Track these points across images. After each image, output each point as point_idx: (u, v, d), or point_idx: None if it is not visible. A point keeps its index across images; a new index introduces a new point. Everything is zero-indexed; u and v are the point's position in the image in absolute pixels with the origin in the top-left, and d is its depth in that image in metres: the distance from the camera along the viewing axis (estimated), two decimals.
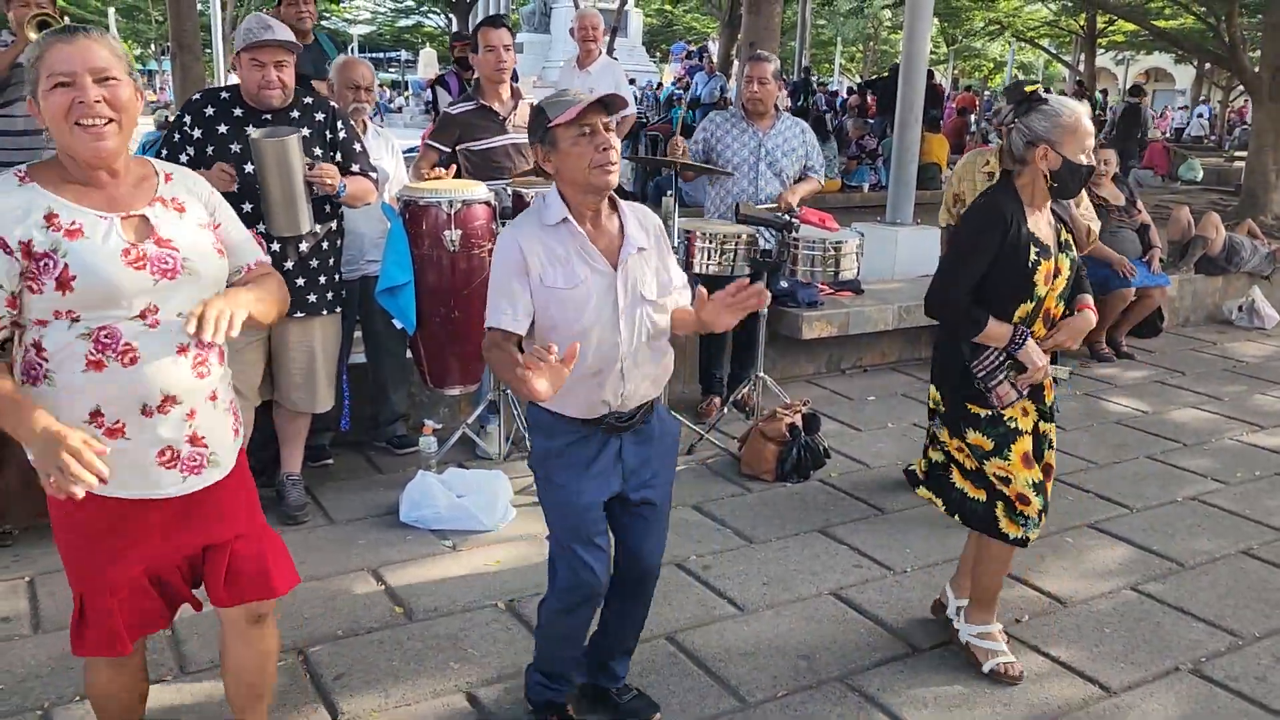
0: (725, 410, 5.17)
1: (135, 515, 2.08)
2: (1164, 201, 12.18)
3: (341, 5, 33.89)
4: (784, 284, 5.74)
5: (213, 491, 2.16)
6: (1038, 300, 2.89)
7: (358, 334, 4.62)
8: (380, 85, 25.29)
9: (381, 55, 34.28)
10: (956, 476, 3.13)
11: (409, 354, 4.47)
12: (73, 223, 1.94)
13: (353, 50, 19.29)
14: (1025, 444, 2.98)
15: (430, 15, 28.81)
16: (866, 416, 5.50)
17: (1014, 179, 2.91)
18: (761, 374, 5.06)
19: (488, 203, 4.08)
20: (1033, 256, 2.84)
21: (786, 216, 4.74)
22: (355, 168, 3.81)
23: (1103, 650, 3.27)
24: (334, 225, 3.85)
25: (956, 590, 3.32)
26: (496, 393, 4.46)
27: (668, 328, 2.56)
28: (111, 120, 1.94)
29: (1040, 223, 2.91)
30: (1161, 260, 7.07)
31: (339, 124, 3.78)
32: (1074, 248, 3.00)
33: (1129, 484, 4.66)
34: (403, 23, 34.24)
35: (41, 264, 1.91)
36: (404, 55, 30.19)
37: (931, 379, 3.12)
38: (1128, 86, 31.20)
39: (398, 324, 4.07)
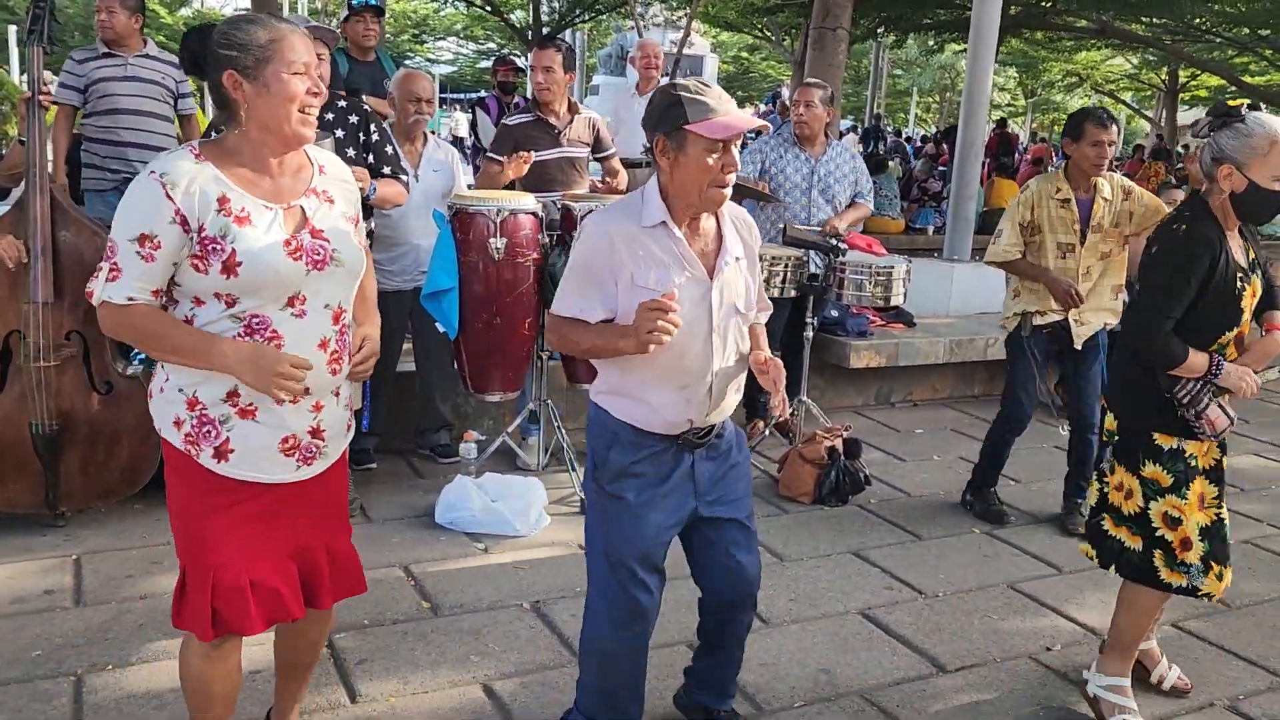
0: (767, 433, 5.16)
1: (258, 501, 2.13)
2: None
3: (425, 45, 34.88)
4: (833, 312, 5.74)
5: (320, 485, 2.22)
6: (1240, 325, 2.78)
7: (407, 345, 4.74)
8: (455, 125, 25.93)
9: (462, 96, 35.06)
10: (1109, 524, 2.95)
11: (455, 364, 4.56)
12: (242, 209, 2.01)
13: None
14: (1202, 485, 2.82)
15: (513, 56, 29.63)
16: (912, 448, 5.44)
17: (1208, 200, 2.77)
18: (805, 399, 5.05)
19: (535, 214, 4.18)
20: (1239, 283, 2.72)
21: (834, 240, 4.76)
22: (386, 170, 3.94)
23: (1135, 683, 3.17)
24: (364, 229, 3.96)
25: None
26: (537, 402, 4.52)
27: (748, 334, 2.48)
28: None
29: (1236, 244, 2.77)
30: None
31: (372, 126, 3.92)
32: (1260, 267, 2.83)
33: None
34: (484, 64, 35.11)
35: (210, 247, 1.97)
36: (484, 95, 30.94)
37: (1110, 406, 2.95)
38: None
39: (441, 329, 4.16)
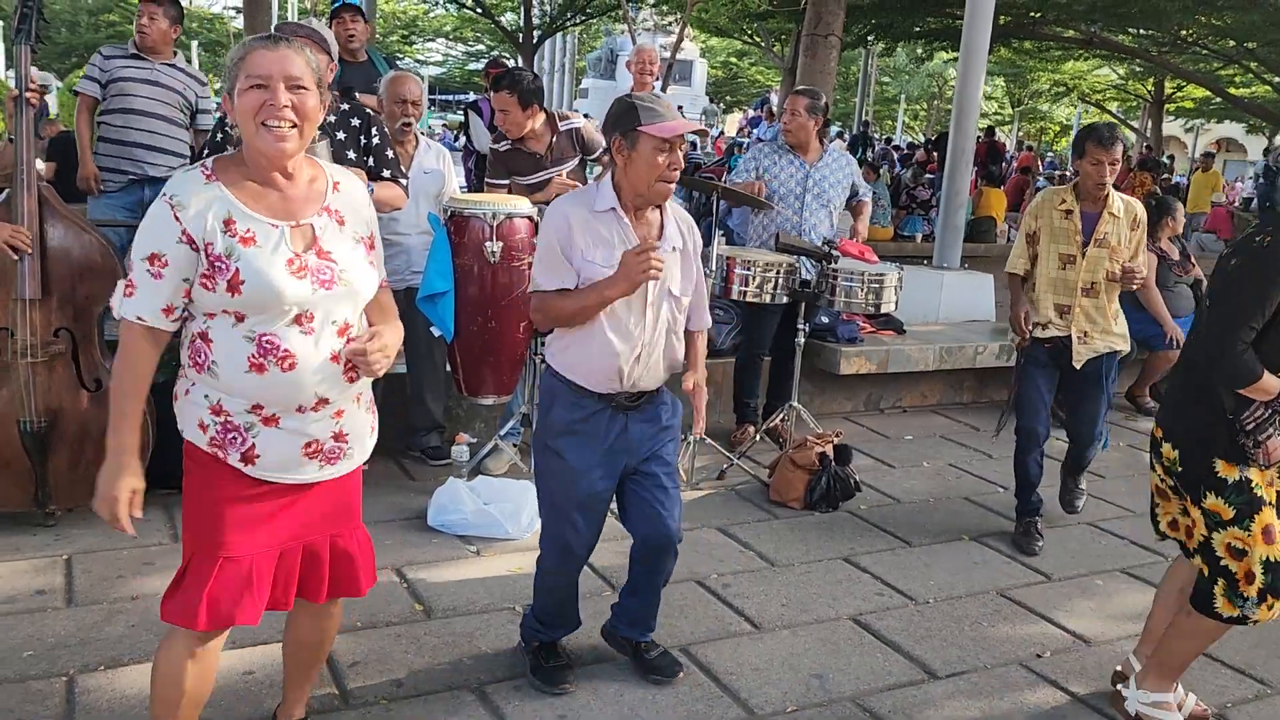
0: (757, 438, 5.18)
1: (274, 495, 2.18)
2: None
3: (414, 47, 34.84)
4: (824, 318, 5.77)
5: (343, 484, 2.29)
6: None
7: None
8: (446, 125, 25.86)
9: (451, 98, 35.04)
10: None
11: (448, 366, 4.55)
12: (248, 230, 2.06)
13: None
14: (1269, 516, 2.70)
15: (503, 58, 29.62)
16: (902, 454, 5.47)
17: None
18: (795, 404, 5.07)
19: (530, 217, 4.18)
20: None
21: (826, 247, 4.78)
22: (386, 173, 3.96)
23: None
24: None
25: (1142, 660, 3.09)
26: (530, 406, 4.52)
27: (684, 323, 2.86)
28: (295, 125, 2.06)
29: None
30: None
31: (373, 130, 3.94)
32: None
33: None
34: (473, 66, 35.08)
35: (217, 265, 2.04)
36: (473, 97, 31.01)
37: (1166, 436, 2.84)
38: (1199, 152, 30.73)
39: (436, 332, 4.16)
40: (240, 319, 2.07)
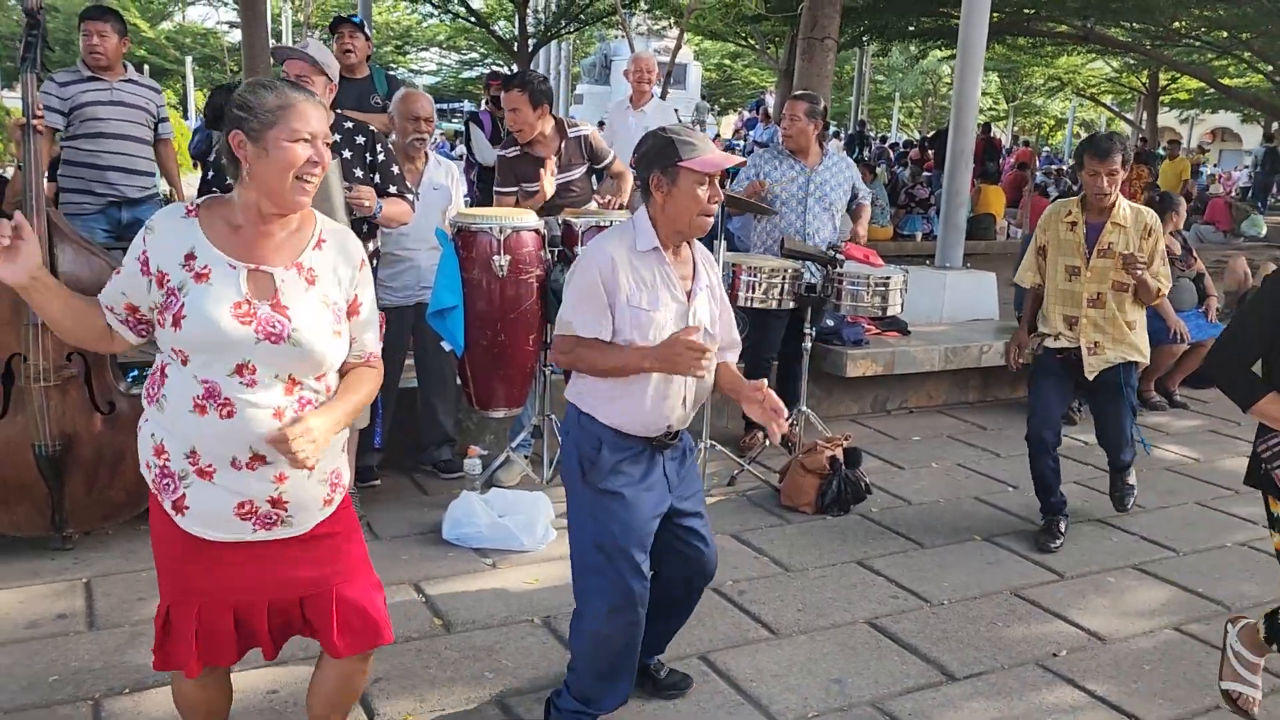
0: (767, 444, 5.20)
1: (212, 551, 2.14)
2: (1225, 256, 12.01)
3: (408, 57, 34.87)
4: (829, 322, 5.79)
5: (299, 541, 2.20)
6: None
7: (409, 361, 4.76)
8: (442, 134, 25.84)
9: (445, 106, 35.07)
10: None
11: (459, 380, 4.58)
12: (204, 266, 2.05)
13: None
14: None
15: (496, 67, 29.62)
16: (910, 455, 5.49)
17: None
18: (804, 408, 5.09)
19: (537, 231, 4.21)
20: None
21: (831, 252, 4.81)
22: (392, 189, 3.96)
23: (1140, 686, 3.22)
24: (371, 248, 3.98)
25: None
26: (541, 417, 4.54)
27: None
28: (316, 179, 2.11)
29: None
30: (1218, 310, 6.99)
31: (378, 147, 3.95)
32: None
33: (1176, 528, 4.60)
34: (467, 75, 35.11)
35: (169, 299, 2.05)
36: (467, 105, 30.94)
37: None
38: (1194, 143, 30.85)
39: (446, 347, 4.18)
40: (185, 360, 2.04)
